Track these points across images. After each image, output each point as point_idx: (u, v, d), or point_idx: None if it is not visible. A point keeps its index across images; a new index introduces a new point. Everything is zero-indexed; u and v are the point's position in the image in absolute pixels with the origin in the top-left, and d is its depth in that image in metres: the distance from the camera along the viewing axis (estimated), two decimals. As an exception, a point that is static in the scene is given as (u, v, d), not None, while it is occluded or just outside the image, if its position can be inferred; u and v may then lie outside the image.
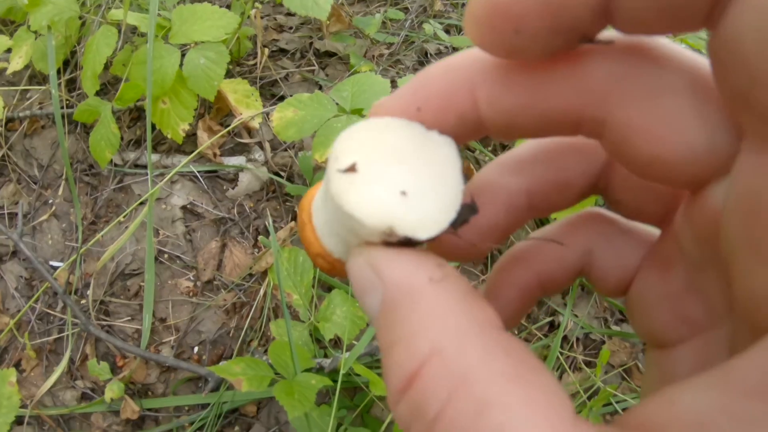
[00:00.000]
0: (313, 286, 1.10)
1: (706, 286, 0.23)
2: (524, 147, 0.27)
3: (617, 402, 1.17)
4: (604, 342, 1.32)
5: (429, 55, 1.45)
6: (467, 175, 0.24)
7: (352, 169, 0.22)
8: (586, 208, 0.29)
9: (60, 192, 1.30)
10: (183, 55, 1.19)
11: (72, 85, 1.40)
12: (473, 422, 0.17)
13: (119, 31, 1.22)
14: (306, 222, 0.26)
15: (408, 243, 0.22)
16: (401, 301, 0.20)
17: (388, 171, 0.22)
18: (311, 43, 1.43)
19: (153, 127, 1.22)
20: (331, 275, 0.28)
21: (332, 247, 0.25)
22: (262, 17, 1.50)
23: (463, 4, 1.65)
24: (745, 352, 0.16)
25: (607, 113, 0.21)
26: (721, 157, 0.20)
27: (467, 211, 0.23)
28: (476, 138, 0.25)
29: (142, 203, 1.18)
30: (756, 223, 0.17)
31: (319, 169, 1.17)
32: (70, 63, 1.41)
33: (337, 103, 1.09)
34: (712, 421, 0.15)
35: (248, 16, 1.26)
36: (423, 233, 0.22)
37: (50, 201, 1.30)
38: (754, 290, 0.18)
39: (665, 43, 0.21)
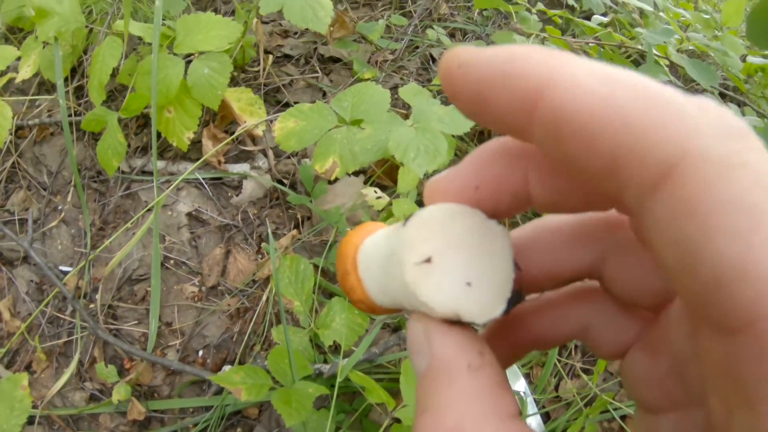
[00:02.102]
0: (313, 292, 1.19)
1: (687, 374, 0.26)
2: (522, 232, 0.30)
3: (614, 409, 1.23)
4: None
5: (433, 60, 1.52)
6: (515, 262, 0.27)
7: (427, 261, 0.25)
8: (588, 282, 0.31)
9: (69, 198, 1.39)
10: (187, 65, 1.27)
11: (80, 92, 1.49)
12: None
13: (124, 42, 1.30)
14: (350, 272, 0.29)
15: (461, 322, 0.26)
16: (441, 376, 0.24)
17: (456, 262, 0.26)
18: (315, 49, 1.50)
19: (158, 134, 1.31)
20: (367, 313, 0.32)
21: (379, 300, 0.29)
22: (267, 22, 1.57)
23: (468, 7, 1.71)
24: None
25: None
26: None
27: (515, 298, 0.26)
28: (524, 211, 0.28)
29: (148, 210, 1.27)
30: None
31: (319, 179, 1.25)
32: (77, 71, 1.50)
33: (337, 114, 1.17)
34: None
35: (251, 26, 1.34)
36: (480, 319, 0.25)
37: (59, 207, 1.39)
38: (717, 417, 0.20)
39: None
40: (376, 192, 1.12)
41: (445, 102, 1.25)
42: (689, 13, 2.11)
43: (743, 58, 2.09)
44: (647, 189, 0.18)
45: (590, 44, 1.29)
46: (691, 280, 0.18)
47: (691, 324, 0.24)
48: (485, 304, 0.26)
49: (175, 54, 1.29)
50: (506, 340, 0.31)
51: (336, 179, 1.28)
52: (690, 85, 1.86)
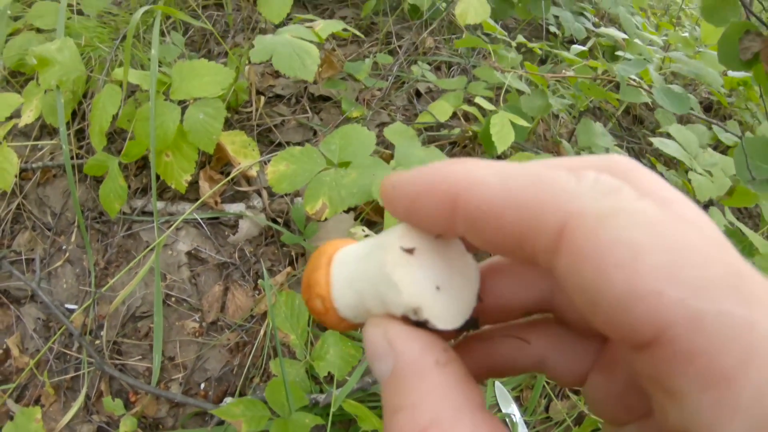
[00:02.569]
0: (308, 326, 1.27)
1: (643, 388, 0.27)
2: (483, 264, 0.33)
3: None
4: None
5: (418, 95, 1.61)
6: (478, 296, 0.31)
7: (410, 251, 0.28)
8: (542, 316, 0.34)
9: (73, 239, 1.47)
10: (183, 110, 1.36)
11: (80, 134, 1.57)
12: None
13: (123, 89, 1.39)
14: (322, 266, 0.31)
15: (422, 325, 0.27)
16: (410, 375, 0.26)
17: (433, 266, 0.29)
18: (306, 88, 1.59)
19: (157, 177, 1.39)
20: (320, 319, 0.32)
21: (339, 299, 0.31)
22: (258, 63, 1.66)
23: (452, 39, 1.80)
24: None
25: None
26: None
27: (471, 323, 0.29)
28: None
29: (150, 250, 1.36)
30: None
31: (310, 220, 1.33)
32: (77, 114, 1.58)
33: (325, 156, 1.25)
34: None
35: (242, 71, 1.42)
36: (438, 323, 0.27)
37: (64, 247, 1.48)
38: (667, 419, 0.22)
39: None
40: (363, 231, 1.20)
41: (425, 143, 1.34)
42: (668, 33, 2.20)
43: (724, 73, 2.18)
44: (549, 253, 0.22)
45: (566, 77, 1.38)
46: (600, 314, 0.21)
47: None
48: (446, 311, 0.28)
49: (171, 100, 1.38)
50: (468, 359, 0.33)
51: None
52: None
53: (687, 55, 1.98)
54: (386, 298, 0.28)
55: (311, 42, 1.35)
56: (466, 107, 1.24)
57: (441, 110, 1.29)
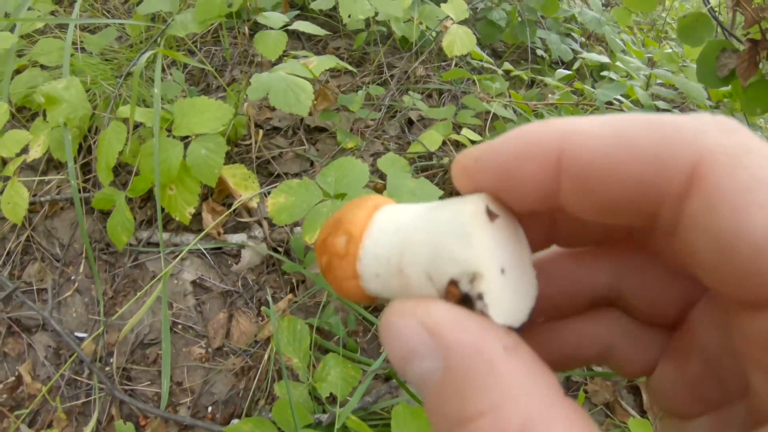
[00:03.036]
0: (310, 349, 1.36)
1: (721, 371, 0.26)
2: (543, 254, 0.31)
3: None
4: (585, 383, 1.53)
5: (411, 124, 1.70)
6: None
7: (493, 216, 0.25)
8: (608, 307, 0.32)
9: (81, 269, 1.56)
10: (185, 145, 1.45)
11: (86, 168, 1.66)
12: None
13: (129, 127, 1.48)
14: (366, 207, 0.28)
15: (467, 303, 0.23)
16: (477, 369, 0.21)
17: (506, 245, 0.25)
18: (302, 120, 1.68)
19: (162, 209, 1.48)
20: (328, 265, 0.28)
21: (370, 248, 0.27)
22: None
23: (444, 67, 1.89)
24: None
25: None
26: None
27: (527, 325, 0.25)
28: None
29: (157, 280, 1.45)
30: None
31: (309, 249, 1.42)
32: (82, 148, 1.68)
33: (322, 188, 1.34)
34: None
35: (241, 106, 1.52)
36: (493, 311, 0.23)
37: (73, 278, 1.56)
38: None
39: None
40: (360, 259, 1.29)
41: (418, 171, 1.43)
42: (653, 50, 2.30)
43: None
44: (681, 194, 0.21)
45: (549, 104, 1.47)
46: (729, 261, 0.19)
47: (723, 317, 0.25)
48: (504, 300, 0.24)
49: (174, 136, 1.47)
50: None
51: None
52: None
53: (671, 71, 2.08)
54: (443, 253, 0.24)
55: (305, 78, 1.44)
56: (455, 136, 1.33)
57: (431, 140, 1.38)
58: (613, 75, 1.80)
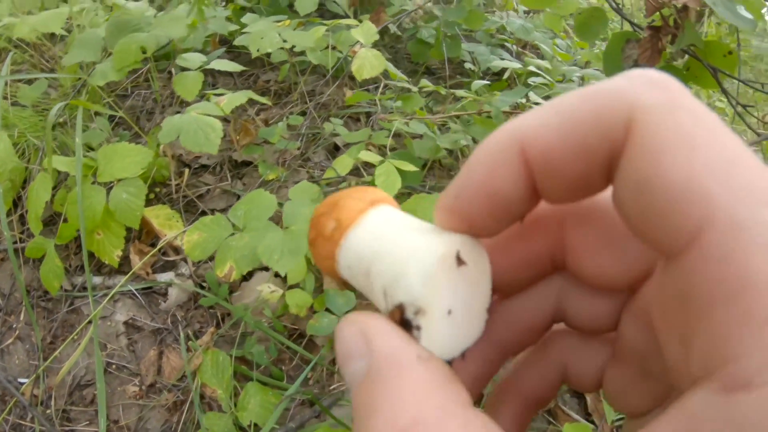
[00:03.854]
0: (235, 378, 1.42)
1: (656, 369, 0.29)
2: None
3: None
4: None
5: (338, 149, 1.77)
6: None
7: (461, 262, 0.28)
8: (552, 329, 0.35)
9: (21, 317, 1.64)
10: (109, 191, 1.53)
11: (23, 219, 1.75)
12: None
13: (53, 177, 1.56)
14: (364, 201, 0.30)
15: (405, 326, 0.26)
16: (389, 373, 0.24)
17: (460, 289, 0.28)
18: (230, 156, 1.76)
19: (92, 254, 1.56)
20: (314, 240, 0.31)
21: (353, 241, 0.30)
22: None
23: (370, 91, 1.96)
24: (662, 415, 0.20)
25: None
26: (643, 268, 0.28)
27: (457, 360, 0.28)
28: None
29: (89, 323, 1.52)
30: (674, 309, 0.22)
31: (223, 282, 1.49)
32: (18, 201, 1.76)
33: (233, 223, 1.41)
34: None
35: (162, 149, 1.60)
36: (427, 342, 0.26)
37: (14, 326, 1.64)
38: (676, 361, 0.22)
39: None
40: (269, 287, 1.35)
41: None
42: (581, 52, 2.35)
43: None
44: (617, 152, 0.23)
45: (452, 116, 1.52)
46: (648, 210, 0.21)
47: (645, 315, 0.28)
48: (443, 337, 0.27)
49: (99, 183, 1.55)
50: (506, 414, 0.34)
51: (248, 276, 1.52)
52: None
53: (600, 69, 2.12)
54: (402, 280, 0.27)
55: (216, 117, 1.52)
56: (364, 157, 1.39)
57: (342, 164, 1.44)
58: (539, 80, 1.85)
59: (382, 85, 1.80)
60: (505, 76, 2.01)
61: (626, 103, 0.22)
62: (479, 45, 2.09)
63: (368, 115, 1.88)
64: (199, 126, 1.47)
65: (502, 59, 2.01)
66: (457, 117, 1.51)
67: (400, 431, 0.22)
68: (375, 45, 1.66)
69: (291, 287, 1.38)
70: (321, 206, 0.32)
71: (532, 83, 1.67)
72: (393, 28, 2.17)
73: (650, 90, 0.22)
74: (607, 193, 0.26)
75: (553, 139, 0.24)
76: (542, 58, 2.24)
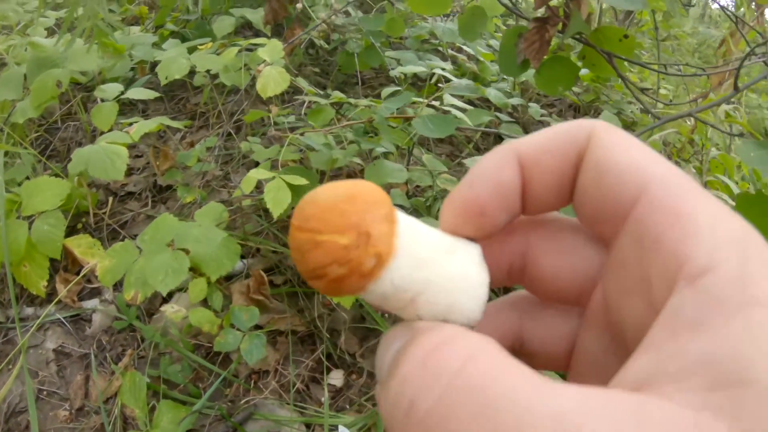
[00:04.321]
0: (157, 398, 1.47)
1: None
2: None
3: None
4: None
5: (257, 165, 1.81)
6: None
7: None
8: (515, 291, 0.37)
9: (-37, 352, 1.71)
10: (32, 224, 1.59)
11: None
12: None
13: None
14: (386, 215, 0.27)
15: None
16: (432, 331, 0.24)
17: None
18: (155, 181, 1.81)
19: (21, 285, 1.62)
20: (333, 290, 0.27)
21: (377, 290, 0.27)
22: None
23: (295, 107, 2.00)
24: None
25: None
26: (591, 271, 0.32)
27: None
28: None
29: (17, 352, 1.58)
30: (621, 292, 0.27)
31: (131, 305, 1.54)
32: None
33: (139, 248, 1.46)
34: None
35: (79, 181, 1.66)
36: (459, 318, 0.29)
37: (-42, 361, 1.71)
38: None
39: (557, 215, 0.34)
40: (172, 308, 1.40)
41: (235, 213, 1.53)
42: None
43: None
44: (582, 156, 0.29)
45: (345, 125, 1.55)
46: (603, 185, 0.28)
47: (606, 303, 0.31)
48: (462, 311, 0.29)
49: (23, 217, 1.61)
50: None
51: (168, 297, 1.57)
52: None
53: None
54: (458, 308, 0.29)
55: (130, 144, 1.57)
56: (258, 175, 1.42)
57: (247, 183, 1.48)
58: (464, 83, 1.88)
59: (300, 99, 1.84)
60: (433, 80, 2.04)
61: (588, 125, 0.29)
62: (407, 52, 2.12)
63: (291, 130, 1.92)
64: (106, 154, 1.53)
65: (429, 63, 2.03)
66: (351, 127, 1.54)
67: (466, 354, 0.22)
68: (307, 58, 1.70)
69: (194, 306, 1.42)
70: (341, 233, 0.25)
71: (441, 86, 1.70)
72: (319, 42, 2.21)
73: (601, 123, 0.29)
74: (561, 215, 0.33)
75: (539, 145, 0.30)
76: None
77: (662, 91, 2.89)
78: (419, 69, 1.78)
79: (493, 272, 0.32)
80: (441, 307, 0.28)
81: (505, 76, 2.15)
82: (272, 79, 1.63)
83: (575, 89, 2.50)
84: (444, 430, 0.20)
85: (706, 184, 2.16)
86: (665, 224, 0.24)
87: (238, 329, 1.42)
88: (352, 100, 1.67)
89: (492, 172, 0.31)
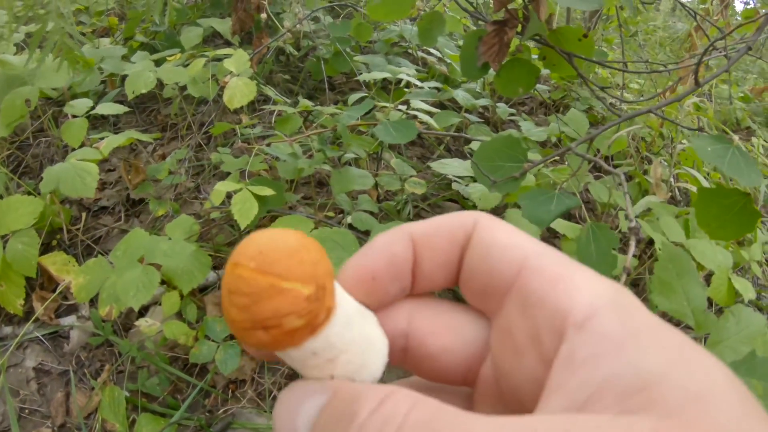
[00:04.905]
0: (135, 412, 1.48)
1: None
2: None
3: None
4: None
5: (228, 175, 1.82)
6: None
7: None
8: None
9: (-56, 373, 1.71)
10: (5, 243, 1.59)
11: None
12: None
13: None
14: (330, 315, 0.27)
15: None
16: (365, 391, 0.26)
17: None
18: (128, 195, 1.81)
19: (-1, 305, 1.63)
20: (251, 341, 0.26)
21: (308, 347, 0.27)
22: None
23: (265, 115, 2.01)
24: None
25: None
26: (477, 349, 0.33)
27: None
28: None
29: (-1, 373, 1.58)
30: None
31: (106, 321, 1.54)
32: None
33: (112, 264, 1.46)
34: None
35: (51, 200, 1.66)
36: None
37: (-62, 382, 1.71)
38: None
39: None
40: (147, 321, 1.41)
41: (206, 225, 1.53)
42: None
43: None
44: (468, 240, 0.33)
45: (310, 134, 1.56)
46: (488, 260, 0.31)
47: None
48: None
49: (-3, 236, 1.61)
50: None
51: (144, 311, 1.58)
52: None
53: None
54: (368, 368, 0.30)
55: (94, 161, 1.58)
56: (224, 187, 1.43)
57: (217, 195, 1.49)
58: (428, 86, 1.89)
59: (268, 109, 1.85)
60: (402, 84, 2.05)
61: (475, 215, 0.33)
62: (376, 56, 2.13)
63: (262, 138, 1.93)
64: (76, 172, 1.53)
65: (394, 69, 2.04)
66: (317, 135, 1.55)
67: (409, 406, 0.24)
68: (277, 65, 1.69)
69: (168, 318, 1.43)
70: (303, 283, 0.25)
71: (406, 90, 1.71)
72: (289, 48, 2.21)
73: (485, 214, 0.33)
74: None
75: (432, 228, 0.33)
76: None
77: (634, 86, 2.91)
78: (384, 75, 1.79)
79: None
80: (355, 366, 0.29)
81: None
82: (238, 90, 1.64)
83: (544, 87, 2.52)
84: None
85: (678, 177, 2.18)
86: (547, 286, 0.28)
87: (212, 340, 1.43)
88: (318, 108, 1.68)
89: (386, 244, 0.33)
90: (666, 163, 2.18)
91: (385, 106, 1.58)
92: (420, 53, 2.41)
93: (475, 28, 1.99)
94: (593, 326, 0.25)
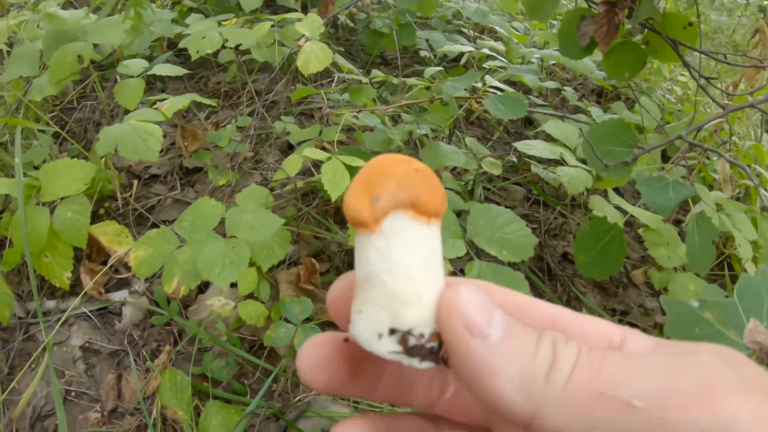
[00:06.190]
0: (196, 398, 1.29)
1: None
2: None
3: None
4: None
5: (292, 147, 1.63)
6: None
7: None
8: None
9: (-21, 349, 1.50)
10: (53, 210, 1.39)
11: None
12: None
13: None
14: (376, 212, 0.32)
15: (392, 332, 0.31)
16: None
17: None
18: (181, 163, 1.62)
19: (43, 277, 1.42)
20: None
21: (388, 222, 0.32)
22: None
23: (323, 85, 1.82)
24: None
25: None
26: None
27: None
28: None
29: (42, 350, 1.38)
30: None
31: (171, 299, 1.35)
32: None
33: (179, 235, 1.27)
34: None
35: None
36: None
37: (-27, 359, 1.51)
38: None
39: None
40: (220, 300, 1.22)
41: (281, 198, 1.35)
42: (538, 33, 2.21)
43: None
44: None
45: (402, 105, 1.38)
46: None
47: None
48: None
49: (42, 203, 1.41)
50: None
51: (204, 288, 1.39)
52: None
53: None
54: (411, 304, 0.31)
55: (163, 123, 1.38)
56: (313, 155, 1.25)
57: (291, 165, 1.31)
58: (498, 63, 1.72)
59: (336, 78, 1.66)
60: (462, 61, 1.87)
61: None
62: (434, 32, 1.95)
63: (321, 110, 1.74)
64: (138, 134, 1.34)
65: (460, 44, 1.87)
66: (409, 106, 1.37)
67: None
68: (329, 38, 1.52)
69: (244, 298, 1.24)
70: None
71: (486, 66, 1.54)
72: (344, 20, 2.02)
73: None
74: None
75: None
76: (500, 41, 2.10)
77: (681, 78, 2.76)
78: (467, 49, 1.62)
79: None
80: (388, 290, 0.32)
81: (532, 60, 1.98)
82: (314, 56, 1.45)
83: (600, 73, 2.35)
84: None
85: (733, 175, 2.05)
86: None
87: (290, 322, 1.25)
88: (395, 79, 1.49)
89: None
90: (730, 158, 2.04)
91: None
92: (473, 32, 2.23)
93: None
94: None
